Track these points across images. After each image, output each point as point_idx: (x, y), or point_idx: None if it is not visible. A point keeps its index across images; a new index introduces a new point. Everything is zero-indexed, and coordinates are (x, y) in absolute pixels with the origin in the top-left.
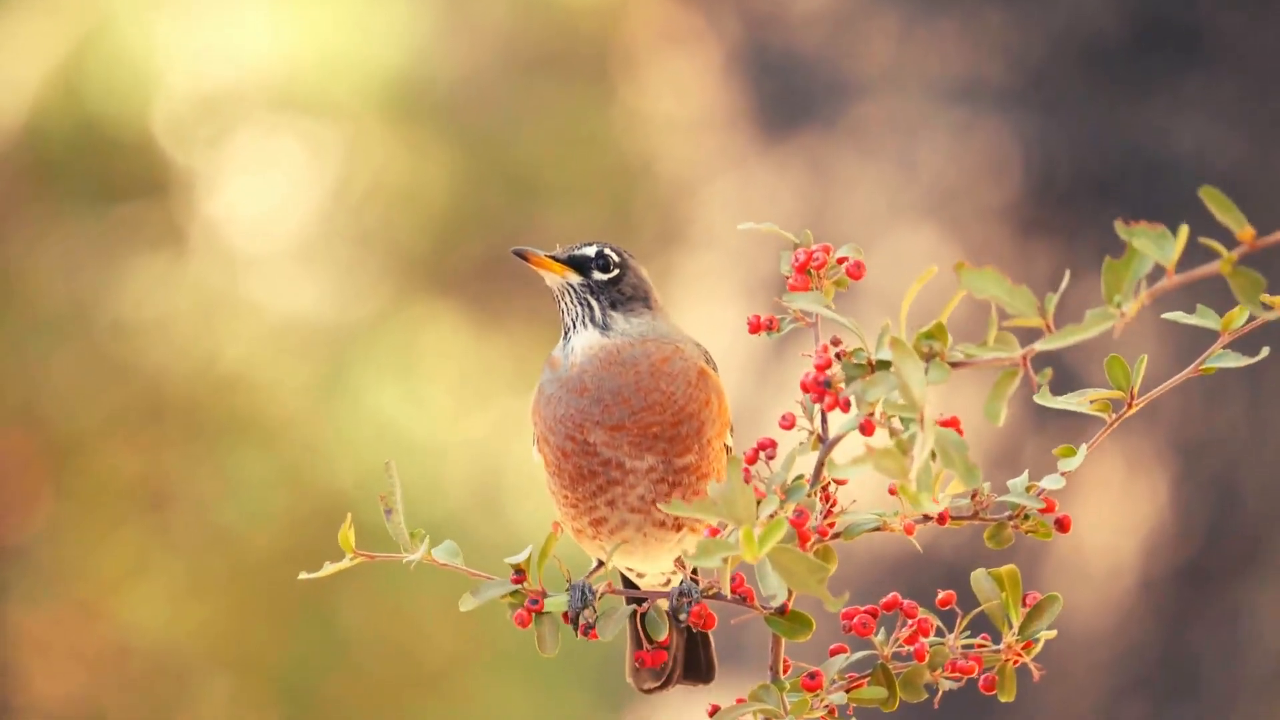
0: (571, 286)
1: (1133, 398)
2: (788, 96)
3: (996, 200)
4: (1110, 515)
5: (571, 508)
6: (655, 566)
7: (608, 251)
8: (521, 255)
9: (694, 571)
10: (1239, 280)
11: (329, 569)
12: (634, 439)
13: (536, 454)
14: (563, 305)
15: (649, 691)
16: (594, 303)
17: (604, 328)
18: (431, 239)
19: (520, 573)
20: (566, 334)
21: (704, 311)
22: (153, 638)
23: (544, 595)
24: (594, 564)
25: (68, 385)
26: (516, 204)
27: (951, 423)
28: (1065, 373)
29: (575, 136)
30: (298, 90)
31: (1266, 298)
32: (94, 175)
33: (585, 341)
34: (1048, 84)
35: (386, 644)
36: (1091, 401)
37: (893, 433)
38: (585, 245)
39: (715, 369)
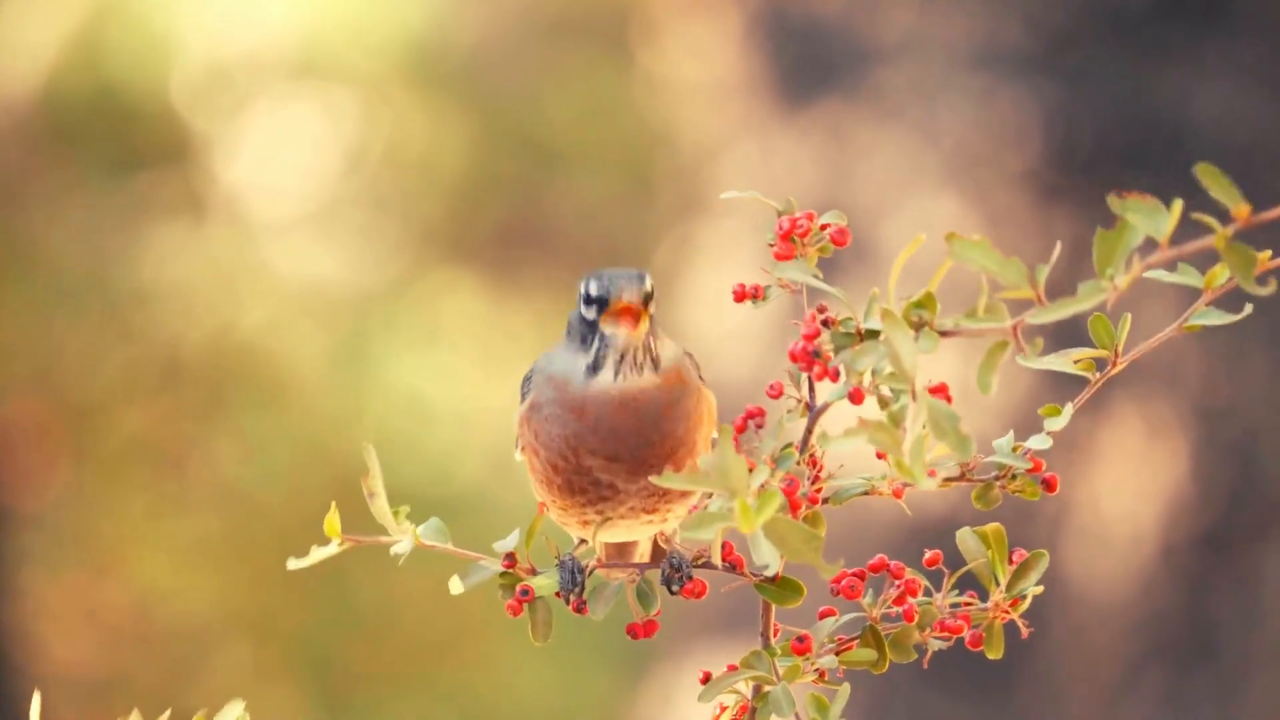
0: (646, 335)
1: (1117, 356)
2: (808, 63)
3: (1018, 167)
4: (1131, 482)
5: (560, 510)
6: (639, 537)
7: (648, 278)
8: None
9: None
10: (1233, 256)
11: (316, 555)
12: (629, 468)
13: (520, 455)
14: (607, 351)
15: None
16: (651, 344)
17: (655, 366)
18: (450, 206)
19: (510, 558)
20: (591, 368)
21: (723, 280)
22: (170, 604)
23: (534, 573)
24: (576, 540)
25: (86, 352)
26: (535, 171)
27: (940, 390)
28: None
29: (594, 103)
30: (316, 57)
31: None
32: (112, 143)
33: (638, 384)
34: (1069, 50)
35: (403, 610)
36: (1076, 361)
37: (881, 401)
38: (627, 275)
39: (698, 366)
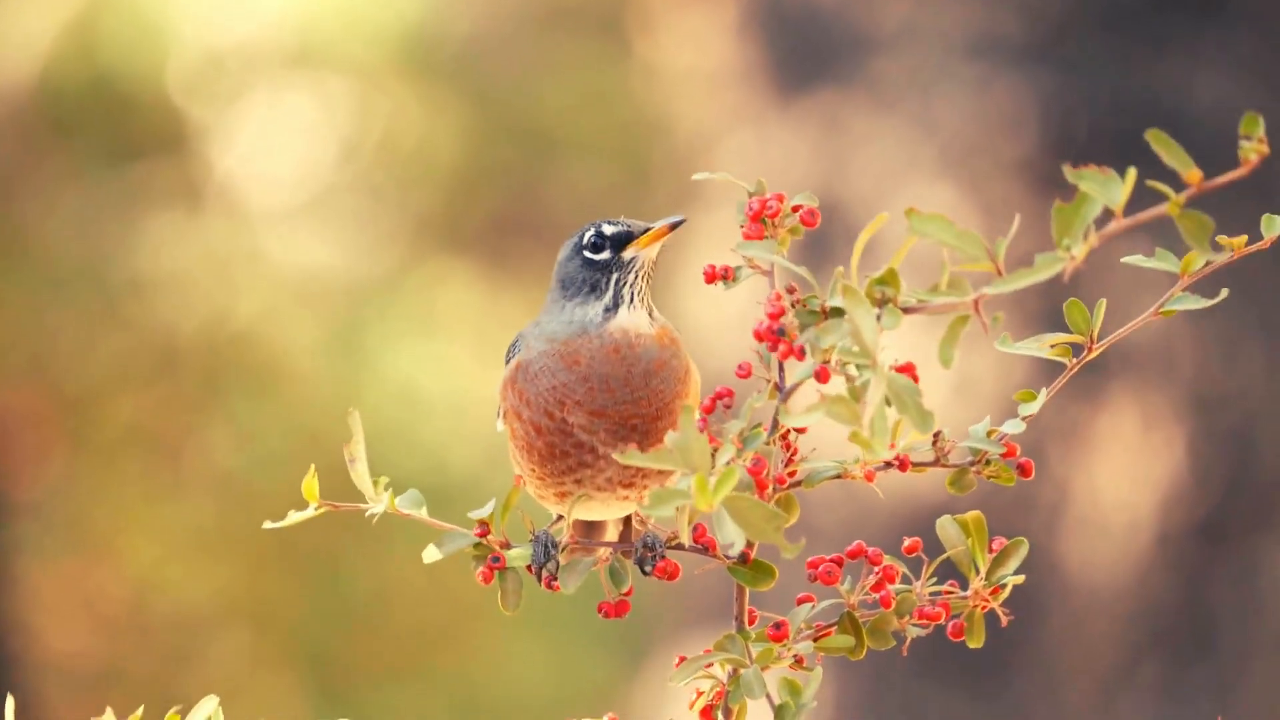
0: (652, 262)
1: (1093, 342)
2: (804, 52)
3: (1014, 156)
4: (1127, 471)
5: (538, 480)
6: (612, 516)
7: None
8: (676, 225)
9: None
10: (1187, 223)
11: (293, 518)
12: (611, 427)
13: (501, 425)
14: (628, 278)
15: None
16: (649, 282)
17: (650, 311)
18: (445, 195)
19: (484, 526)
20: (612, 307)
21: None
22: (166, 593)
23: (507, 547)
24: (555, 515)
25: (81, 341)
26: (531, 160)
27: (907, 368)
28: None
29: (590, 92)
30: (311, 46)
31: (1224, 239)
32: (107, 132)
33: (635, 322)
34: (1065, 39)
35: (400, 598)
36: (1051, 346)
37: (848, 380)
38: (621, 219)
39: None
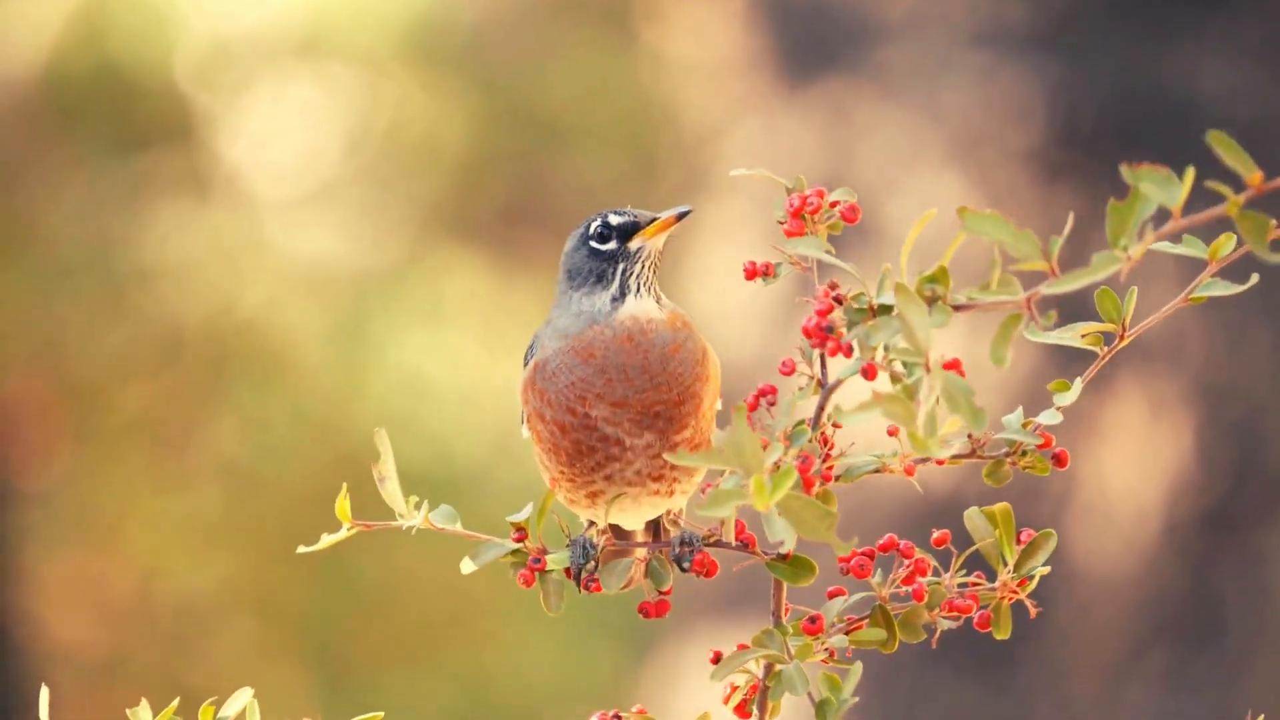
0: (659, 251)
1: (1125, 330)
2: (811, 41)
3: (1021, 145)
4: (1135, 460)
5: (569, 482)
6: (640, 522)
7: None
8: (683, 216)
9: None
10: (1246, 223)
11: (326, 541)
12: (635, 417)
13: (526, 431)
14: (634, 269)
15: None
16: (656, 271)
17: (657, 298)
18: (453, 184)
19: (521, 531)
20: (619, 297)
21: (726, 258)
22: (173, 583)
23: (545, 553)
24: (585, 522)
25: (88, 331)
26: (538, 149)
27: (953, 365)
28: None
29: (597, 81)
30: (319, 35)
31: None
32: (114, 121)
33: (643, 309)
34: (1072, 28)
35: (407, 588)
36: (1083, 335)
37: (895, 377)
38: (628, 209)
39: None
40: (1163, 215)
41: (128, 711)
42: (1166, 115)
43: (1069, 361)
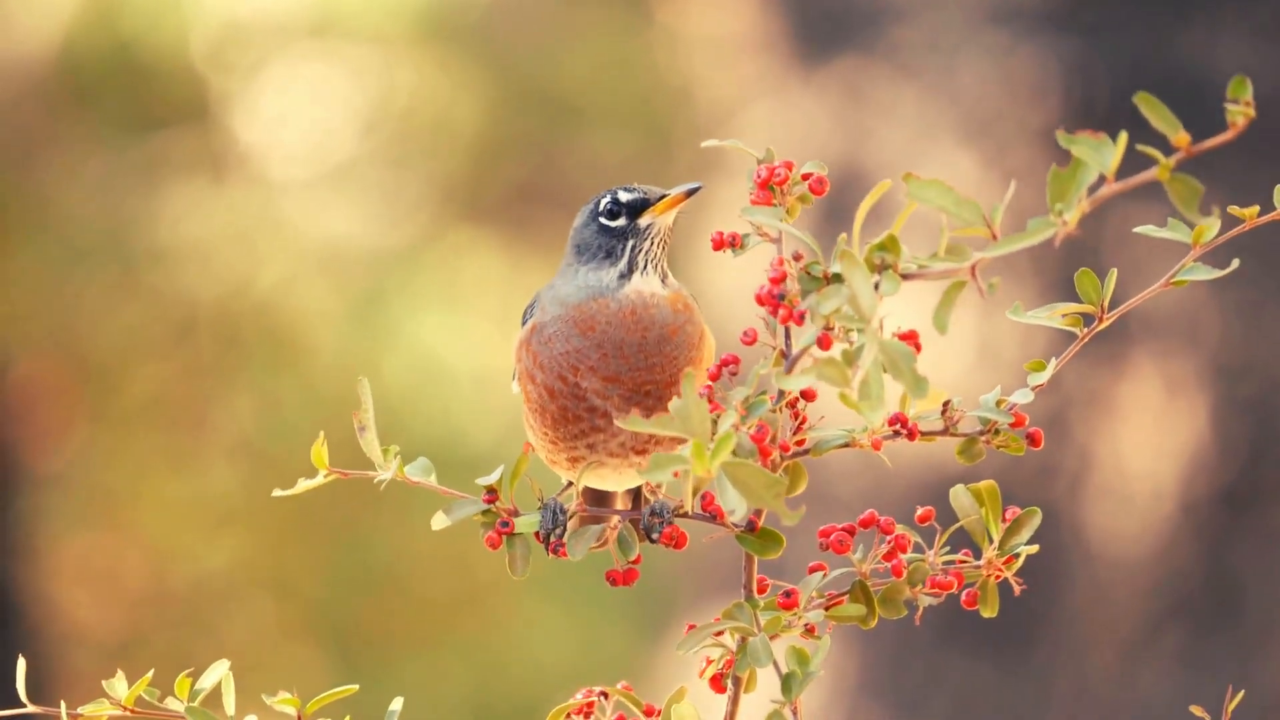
0: (669, 229)
1: (1104, 312)
2: (826, 20)
3: (1037, 124)
4: (1150, 439)
5: (550, 444)
6: (621, 487)
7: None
8: (692, 192)
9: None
10: (1176, 187)
11: (303, 485)
12: (625, 393)
13: (516, 387)
14: (643, 245)
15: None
16: (665, 249)
17: (664, 277)
18: (468, 164)
19: (493, 493)
20: (626, 273)
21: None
22: (187, 563)
23: (515, 515)
24: (564, 482)
25: (103, 311)
26: (553, 129)
27: (909, 336)
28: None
29: (612, 60)
30: (334, 15)
31: (1236, 210)
32: (129, 101)
33: (650, 288)
34: (1088, 6)
35: (422, 568)
36: (1062, 316)
37: (847, 349)
38: (638, 185)
39: (699, 309)
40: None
41: (103, 684)
42: (1182, 93)
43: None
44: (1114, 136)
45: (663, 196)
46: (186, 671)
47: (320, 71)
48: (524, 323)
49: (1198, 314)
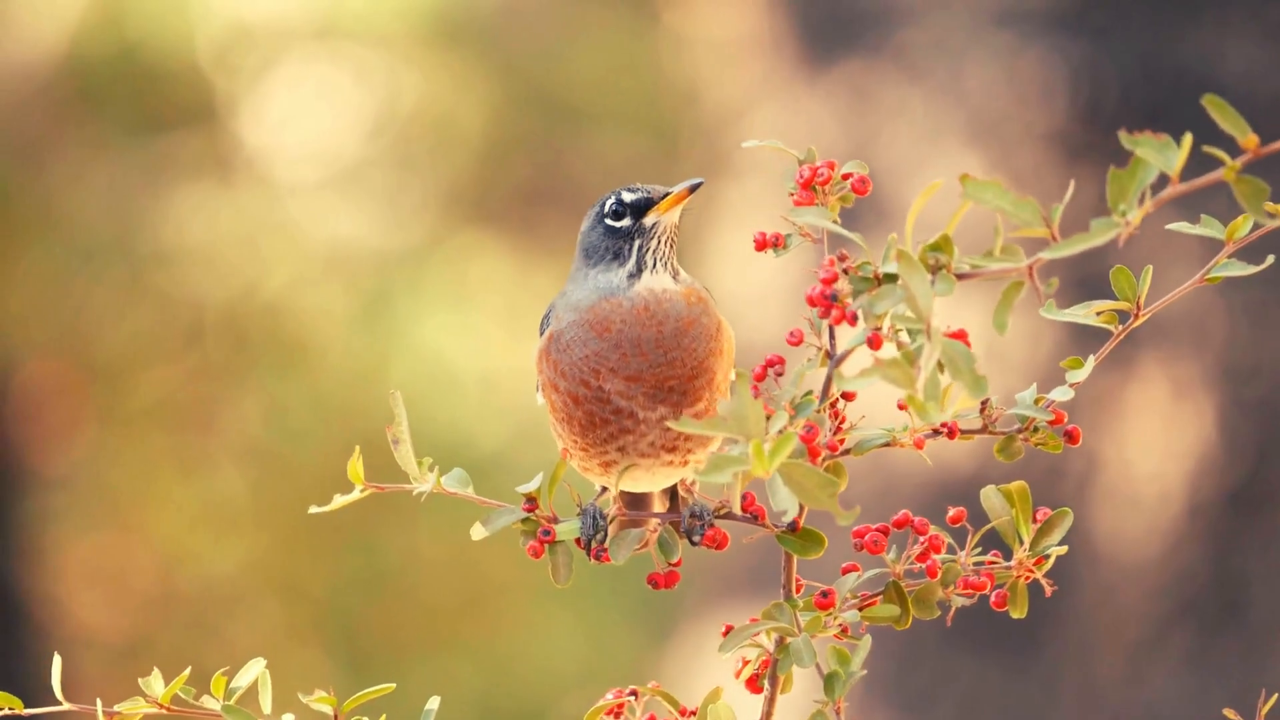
0: (675, 226)
1: (1139, 309)
2: (833, 22)
3: (1044, 125)
4: (1158, 441)
5: (581, 451)
6: (655, 488)
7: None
8: (695, 188)
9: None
10: (1243, 187)
11: (338, 502)
12: (649, 390)
13: (541, 399)
14: (650, 244)
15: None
16: (673, 246)
17: (674, 274)
18: (474, 166)
19: (532, 501)
20: (635, 273)
21: (747, 238)
22: (195, 565)
23: (555, 522)
24: (599, 487)
25: (110, 313)
26: (560, 130)
27: (959, 335)
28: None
29: (619, 62)
30: (341, 17)
31: (1270, 206)
32: (136, 104)
33: (661, 284)
34: (1095, 8)
35: (431, 571)
36: (1098, 313)
37: (900, 346)
38: (645, 186)
39: (715, 302)
40: (1163, 182)
41: (140, 682)
42: (1190, 95)
43: (1088, 340)
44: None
45: (666, 194)
46: (222, 670)
47: (326, 74)
48: (541, 333)
49: (1205, 316)
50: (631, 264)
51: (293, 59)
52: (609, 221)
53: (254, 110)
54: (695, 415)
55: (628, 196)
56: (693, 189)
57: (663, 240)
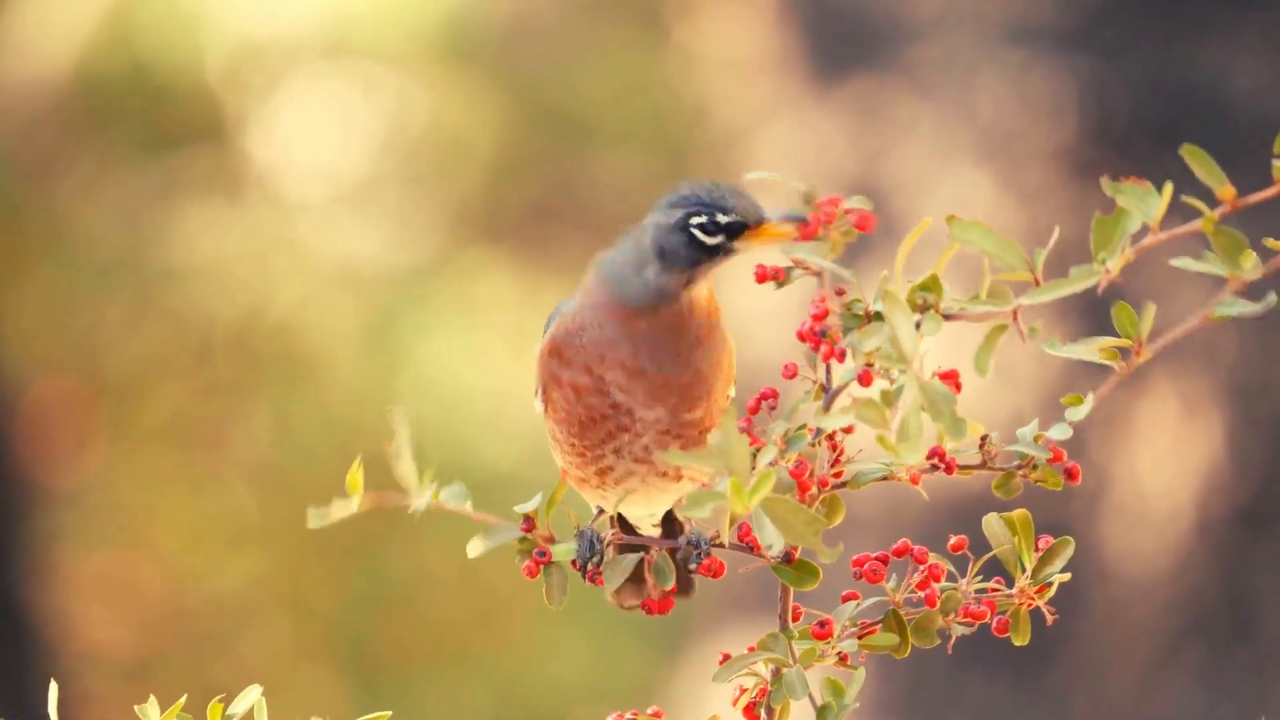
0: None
1: (1140, 346)
2: (843, 39)
3: (1053, 143)
4: (1167, 459)
5: (579, 456)
6: (654, 512)
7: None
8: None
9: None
10: (1220, 240)
11: (338, 512)
12: (649, 388)
13: (539, 404)
14: (721, 263)
15: (630, 609)
16: None
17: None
18: (484, 184)
19: (530, 521)
20: (690, 283)
21: (757, 260)
22: (205, 582)
23: (552, 542)
24: (595, 510)
25: (120, 330)
26: (570, 148)
27: (950, 375)
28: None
29: (629, 79)
30: (351, 35)
31: (1272, 242)
32: (145, 121)
33: (701, 295)
34: (1105, 25)
35: (440, 588)
36: (1100, 350)
37: (890, 384)
38: (741, 193)
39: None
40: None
41: (136, 709)
42: (1199, 113)
43: (1102, 370)
44: (1130, 157)
45: (761, 221)
46: (219, 697)
47: (336, 91)
48: (545, 331)
49: (1214, 333)
50: (692, 273)
51: (302, 77)
52: (697, 234)
53: (263, 128)
54: (691, 421)
55: (722, 219)
56: (796, 224)
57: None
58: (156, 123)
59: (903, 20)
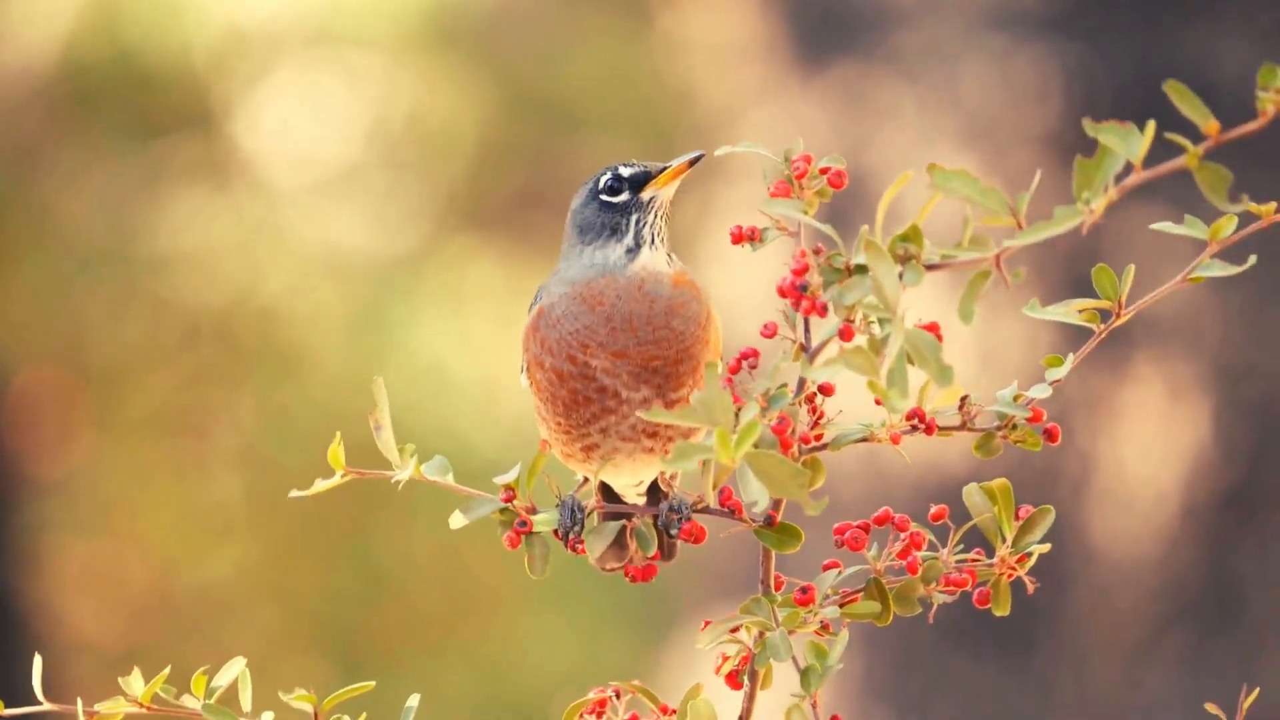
0: (669, 202)
1: (1121, 308)
2: (827, 25)
3: (1038, 128)
4: (1153, 443)
5: (564, 434)
6: (641, 480)
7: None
8: (694, 161)
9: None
10: (1205, 175)
11: (319, 486)
12: (634, 369)
13: (525, 380)
14: (647, 219)
15: (612, 571)
16: (667, 223)
17: (669, 255)
18: (470, 171)
19: (510, 491)
20: (634, 248)
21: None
22: (192, 571)
23: (533, 513)
24: (580, 478)
25: (106, 319)
26: (555, 135)
27: (931, 327)
28: (1144, 317)
29: (613, 66)
30: (336, 22)
31: (1253, 206)
32: (131, 109)
33: (656, 263)
34: (1088, 10)
35: (426, 577)
36: (1080, 311)
37: (871, 338)
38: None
39: (707, 294)
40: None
41: (120, 681)
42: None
43: (1083, 343)
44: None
45: (664, 169)
46: (202, 669)
47: (322, 79)
48: (529, 312)
49: (1200, 317)
50: (630, 239)
51: (288, 64)
52: (605, 197)
53: (249, 115)
54: (678, 400)
55: (624, 171)
56: (692, 162)
57: (659, 215)
58: (142, 110)
59: (887, 6)
